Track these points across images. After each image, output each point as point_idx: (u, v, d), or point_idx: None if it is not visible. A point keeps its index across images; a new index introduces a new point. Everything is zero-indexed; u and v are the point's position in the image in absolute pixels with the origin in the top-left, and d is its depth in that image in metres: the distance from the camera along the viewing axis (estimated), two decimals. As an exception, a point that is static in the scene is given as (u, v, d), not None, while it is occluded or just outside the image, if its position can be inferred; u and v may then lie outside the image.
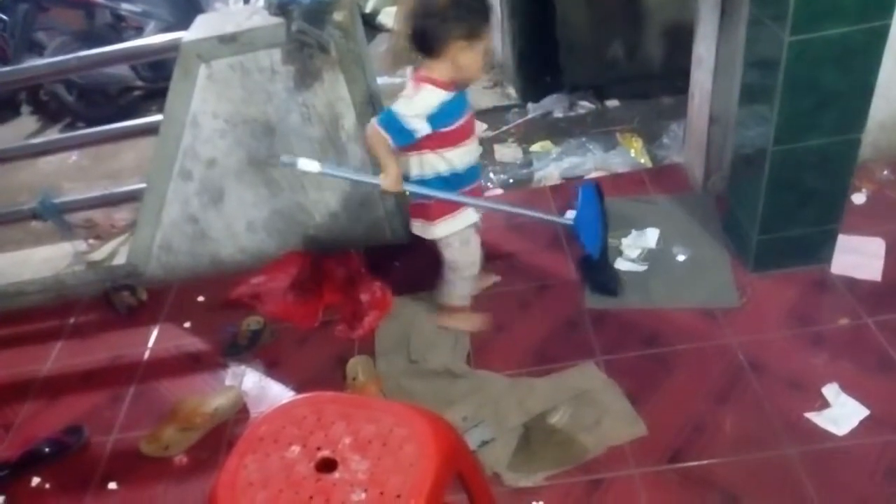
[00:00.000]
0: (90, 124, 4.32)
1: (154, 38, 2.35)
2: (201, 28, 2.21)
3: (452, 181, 1.91)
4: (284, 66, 2.20)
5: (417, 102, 1.76)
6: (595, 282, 2.26)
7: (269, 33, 2.13)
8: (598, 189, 2.16)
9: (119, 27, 4.35)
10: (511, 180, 3.11)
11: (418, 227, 2.03)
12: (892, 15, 1.66)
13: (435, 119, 1.78)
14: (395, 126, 1.78)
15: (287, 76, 2.22)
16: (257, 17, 2.17)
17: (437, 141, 1.83)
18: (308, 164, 1.86)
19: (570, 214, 1.96)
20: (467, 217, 1.99)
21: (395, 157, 1.85)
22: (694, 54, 2.40)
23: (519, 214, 2.26)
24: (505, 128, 3.55)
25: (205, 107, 2.27)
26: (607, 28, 3.47)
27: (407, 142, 1.81)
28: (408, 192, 1.93)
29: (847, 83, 1.77)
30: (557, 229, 2.53)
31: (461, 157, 1.89)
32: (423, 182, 1.91)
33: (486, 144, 3.42)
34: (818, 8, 1.65)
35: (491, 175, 3.16)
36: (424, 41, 1.73)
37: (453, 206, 1.95)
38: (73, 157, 4.10)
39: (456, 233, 1.99)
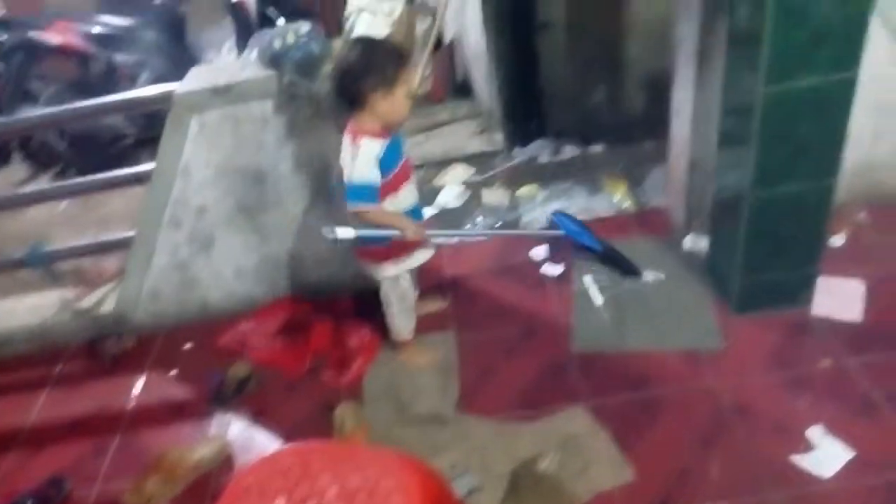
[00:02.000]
0: (81, 172, 4.35)
1: (147, 90, 2.40)
2: (194, 80, 2.27)
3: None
4: (276, 116, 2.25)
5: (362, 158, 1.86)
6: (620, 270, 2.48)
7: (262, 85, 2.19)
8: (568, 215, 2.47)
9: (113, 77, 4.41)
10: (498, 224, 3.15)
11: (373, 269, 2.12)
12: (859, 66, 1.73)
13: (381, 165, 1.88)
14: (365, 192, 1.88)
15: (278, 126, 2.27)
16: (250, 69, 2.23)
17: (387, 187, 1.94)
18: (344, 233, 1.95)
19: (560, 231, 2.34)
20: (406, 265, 2.11)
21: (401, 217, 1.96)
22: (672, 102, 2.47)
23: (514, 236, 2.45)
24: (492, 172, 3.60)
25: (196, 156, 2.31)
26: (590, 76, 3.57)
27: (379, 193, 1.90)
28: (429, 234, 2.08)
29: (821, 131, 1.84)
30: (543, 274, 2.57)
31: (406, 198, 2.02)
32: (375, 229, 1.99)
33: (474, 189, 3.47)
34: (791, 60, 1.72)
35: (478, 218, 3.20)
36: (345, 97, 1.86)
37: (398, 252, 2.06)
38: (62, 204, 4.11)
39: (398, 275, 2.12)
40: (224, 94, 2.18)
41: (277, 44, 2.09)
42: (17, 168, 4.82)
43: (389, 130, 1.92)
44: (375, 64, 1.82)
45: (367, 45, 1.90)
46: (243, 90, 2.18)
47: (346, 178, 1.89)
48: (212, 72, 2.33)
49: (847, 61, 1.72)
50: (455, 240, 2.83)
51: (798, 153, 1.86)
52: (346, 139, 1.91)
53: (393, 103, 1.85)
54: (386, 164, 1.91)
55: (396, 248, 2.05)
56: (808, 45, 1.68)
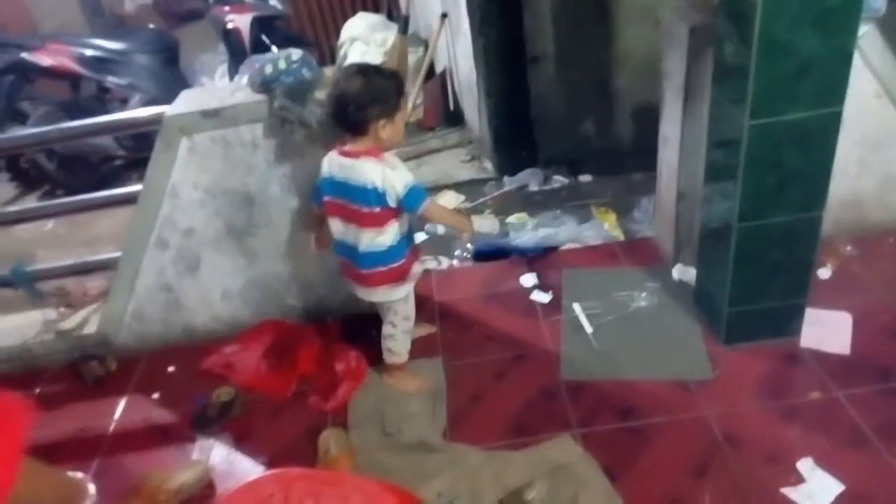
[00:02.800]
0: (70, 192, 4.34)
1: (138, 112, 2.40)
2: (185, 103, 2.27)
3: (409, 239, 2.11)
4: (266, 139, 2.25)
5: (399, 164, 1.95)
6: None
7: (252, 109, 2.19)
8: None
9: (104, 98, 4.43)
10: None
11: (385, 293, 2.11)
12: (843, 101, 1.76)
13: None
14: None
15: (268, 149, 2.27)
16: (240, 93, 2.24)
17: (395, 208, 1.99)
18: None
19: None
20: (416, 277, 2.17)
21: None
22: (660, 133, 2.50)
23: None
24: (482, 200, 3.62)
25: (185, 178, 2.30)
26: (580, 106, 3.62)
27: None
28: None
29: (806, 164, 1.86)
30: (532, 301, 2.58)
31: (406, 217, 2.06)
32: (398, 244, 2.03)
33: (465, 216, 3.48)
34: (775, 95, 1.74)
35: (469, 245, 3.20)
36: (347, 123, 1.90)
37: (412, 265, 2.11)
38: (49, 224, 4.07)
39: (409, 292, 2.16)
40: (214, 117, 2.18)
41: (269, 69, 2.10)
42: (5, 187, 4.79)
43: (385, 151, 1.98)
44: (379, 93, 1.87)
45: (370, 73, 1.92)
46: (233, 114, 2.18)
47: (398, 189, 1.90)
48: (202, 95, 2.34)
49: (832, 95, 1.75)
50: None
51: (784, 186, 1.88)
52: (367, 161, 1.91)
53: (393, 129, 1.92)
54: None
55: (410, 264, 2.10)
56: (793, 79, 1.71)
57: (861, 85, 2.27)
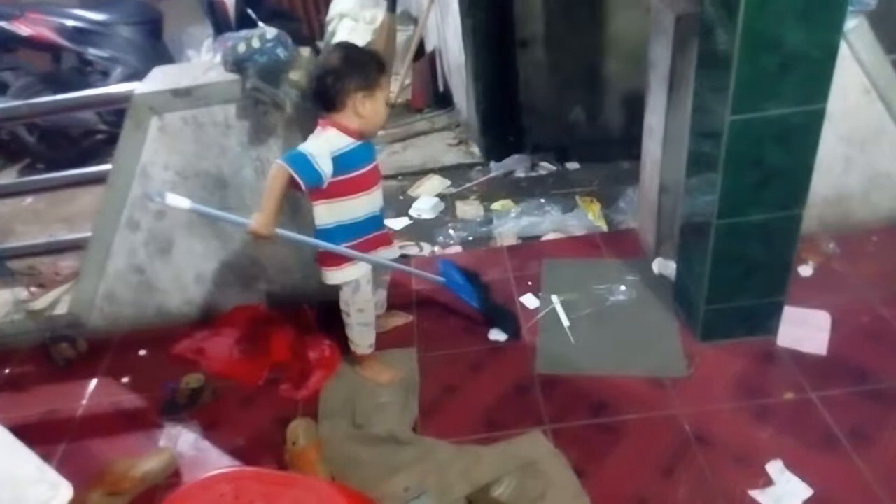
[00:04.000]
0: (50, 166, 4.27)
1: (107, 89, 2.35)
2: (156, 81, 2.20)
3: (353, 229, 2.00)
4: (239, 121, 2.20)
5: (323, 140, 1.86)
6: (500, 326, 2.36)
7: (224, 89, 2.13)
8: (457, 266, 2.44)
9: (85, 71, 4.33)
10: (470, 237, 3.11)
11: (323, 275, 2.08)
12: (827, 99, 1.72)
13: (339, 162, 1.86)
14: (302, 164, 1.81)
15: (241, 131, 2.21)
16: (213, 72, 2.17)
17: (340, 188, 1.91)
18: (177, 200, 1.85)
19: (441, 279, 2.36)
20: (360, 268, 2.06)
21: (279, 204, 1.85)
22: (645, 124, 2.45)
23: (402, 271, 2.40)
24: (467, 185, 3.58)
25: (156, 158, 2.24)
26: (569, 92, 3.55)
27: (314, 182, 1.84)
28: (278, 239, 1.94)
29: (788, 161, 1.82)
30: (513, 290, 2.54)
31: (364, 205, 1.99)
32: (325, 230, 1.97)
33: (449, 201, 3.44)
34: (758, 91, 1.70)
35: (451, 231, 3.16)
36: (325, 98, 1.85)
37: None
38: (28, 199, 4.01)
39: (348, 281, 2.06)
40: (185, 96, 2.12)
41: (241, 47, 2.04)
42: (-16, 160, 4.73)
43: (363, 135, 1.91)
44: (358, 65, 1.84)
45: (350, 47, 1.92)
46: (205, 93, 2.12)
47: (301, 146, 1.85)
48: (175, 73, 2.27)
49: (816, 92, 1.70)
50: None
51: (764, 183, 1.84)
52: (318, 128, 1.89)
53: (372, 107, 1.87)
54: (347, 162, 1.89)
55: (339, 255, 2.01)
56: (777, 73, 1.67)
57: (849, 80, 2.22)
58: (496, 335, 2.36)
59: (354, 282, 2.07)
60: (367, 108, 1.86)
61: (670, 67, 2.15)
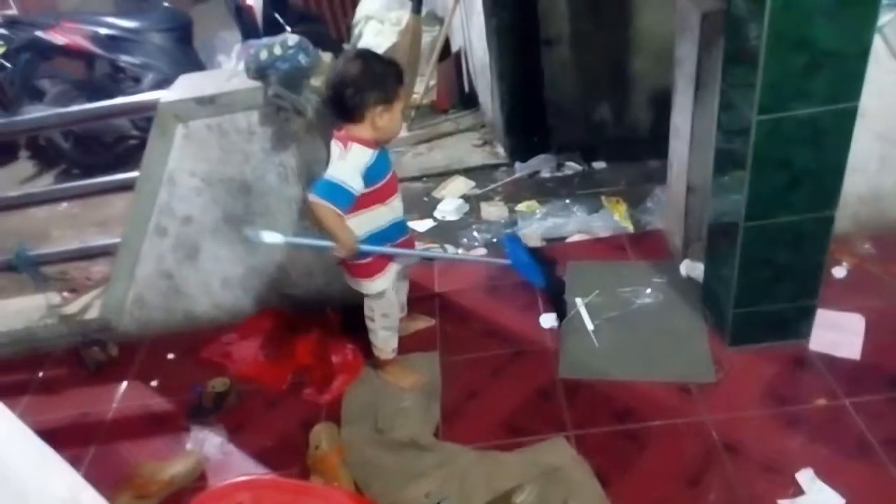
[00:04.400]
0: (85, 171, 4.37)
1: (134, 98, 2.39)
2: (181, 89, 2.24)
3: (381, 237, 1.99)
4: (262, 127, 2.21)
5: (351, 161, 1.83)
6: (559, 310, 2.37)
7: (247, 96, 2.15)
8: (520, 240, 2.40)
9: (117, 77, 4.42)
10: (495, 239, 3.09)
11: (356, 283, 2.08)
12: (859, 97, 1.66)
13: (367, 176, 1.84)
14: (337, 193, 1.80)
15: (265, 137, 2.23)
16: (236, 79, 2.19)
17: (368, 199, 1.90)
18: (272, 237, 1.91)
19: (506, 259, 2.23)
20: (389, 277, 2.06)
21: (343, 224, 1.85)
22: (672, 123, 2.40)
23: (459, 260, 2.42)
24: (492, 186, 3.55)
25: (181, 165, 2.28)
26: (595, 91, 3.50)
27: (350, 204, 1.83)
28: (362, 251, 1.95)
29: (818, 162, 1.76)
30: (535, 294, 2.51)
31: (389, 213, 1.98)
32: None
33: (473, 202, 3.42)
34: (786, 90, 1.65)
35: (475, 233, 3.15)
36: (343, 109, 1.83)
37: (384, 264, 2.02)
38: (63, 204, 4.11)
39: (380, 291, 2.06)
40: (209, 104, 2.14)
41: (264, 54, 2.05)
42: (24, 165, 4.86)
43: (380, 143, 1.90)
44: (378, 78, 1.81)
45: (370, 58, 1.87)
46: (229, 101, 2.14)
47: (328, 173, 1.83)
48: (200, 81, 2.30)
49: (847, 91, 1.64)
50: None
51: (794, 184, 1.78)
52: (337, 145, 1.88)
53: (390, 119, 1.84)
54: (373, 174, 1.87)
55: (379, 263, 2.01)
56: (806, 72, 1.61)
57: (884, 76, 2.15)
58: (549, 321, 2.36)
59: (382, 290, 2.07)
60: (384, 121, 1.83)
61: (696, 65, 2.10)
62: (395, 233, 2.03)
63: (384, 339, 2.17)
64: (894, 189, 2.39)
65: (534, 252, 2.36)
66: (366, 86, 1.79)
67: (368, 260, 1.99)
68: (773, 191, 1.81)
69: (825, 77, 1.62)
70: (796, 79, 1.63)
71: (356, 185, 1.81)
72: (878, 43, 2.10)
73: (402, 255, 2.06)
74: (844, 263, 2.37)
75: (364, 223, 1.93)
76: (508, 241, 2.35)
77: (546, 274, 2.33)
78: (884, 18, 2.04)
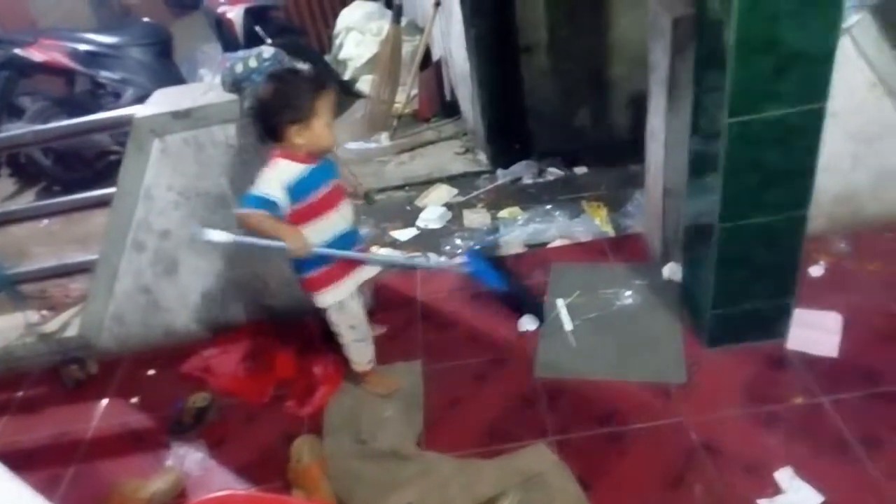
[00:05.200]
0: (66, 187, 4.34)
1: (109, 114, 2.37)
2: (156, 104, 2.23)
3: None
4: (239, 140, 2.21)
5: (271, 176, 1.84)
6: (524, 311, 2.40)
7: (223, 109, 2.15)
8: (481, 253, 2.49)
9: (98, 93, 4.41)
10: (477, 246, 3.10)
11: (310, 297, 2.07)
12: (827, 97, 1.67)
13: (295, 190, 1.85)
14: (259, 204, 1.82)
15: (241, 150, 2.22)
16: (212, 93, 2.19)
17: (304, 214, 1.89)
18: (219, 236, 1.89)
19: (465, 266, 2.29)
20: (343, 289, 2.04)
21: (284, 226, 1.86)
22: (647, 127, 2.42)
23: (420, 268, 2.45)
24: (475, 193, 3.56)
25: (159, 180, 2.27)
26: (574, 97, 3.53)
27: (275, 213, 1.84)
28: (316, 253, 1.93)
29: (789, 162, 1.78)
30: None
31: (333, 225, 1.96)
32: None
33: (456, 210, 3.43)
34: (755, 92, 1.66)
35: (458, 241, 3.15)
36: (265, 133, 1.86)
37: (334, 278, 2.01)
38: (44, 220, 4.08)
39: (333, 304, 2.06)
40: (185, 118, 2.14)
41: (239, 68, 2.05)
42: (5, 182, 4.82)
43: (315, 157, 1.88)
44: (288, 98, 1.80)
45: (281, 79, 1.86)
46: (205, 114, 2.14)
47: (251, 189, 1.86)
48: (174, 95, 2.29)
49: (815, 91, 1.66)
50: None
51: (766, 185, 1.80)
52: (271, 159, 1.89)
53: (310, 136, 1.83)
54: (302, 189, 1.86)
55: (328, 275, 1.99)
56: (774, 74, 1.63)
57: (854, 76, 2.18)
58: (527, 324, 2.38)
59: (337, 303, 2.05)
60: (304, 138, 1.82)
61: (669, 70, 2.12)
62: (347, 243, 2.00)
63: (358, 351, 2.16)
64: (868, 187, 2.42)
65: (494, 262, 2.43)
66: (278, 109, 1.80)
67: (318, 273, 1.98)
68: (747, 191, 1.82)
69: (793, 79, 1.64)
70: (765, 81, 1.65)
71: (278, 196, 1.82)
72: (847, 44, 2.13)
73: (358, 258, 2.04)
74: (821, 262, 2.39)
75: (309, 236, 1.90)
76: (468, 253, 2.50)
77: (506, 279, 2.36)
78: (852, 20, 2.06)
